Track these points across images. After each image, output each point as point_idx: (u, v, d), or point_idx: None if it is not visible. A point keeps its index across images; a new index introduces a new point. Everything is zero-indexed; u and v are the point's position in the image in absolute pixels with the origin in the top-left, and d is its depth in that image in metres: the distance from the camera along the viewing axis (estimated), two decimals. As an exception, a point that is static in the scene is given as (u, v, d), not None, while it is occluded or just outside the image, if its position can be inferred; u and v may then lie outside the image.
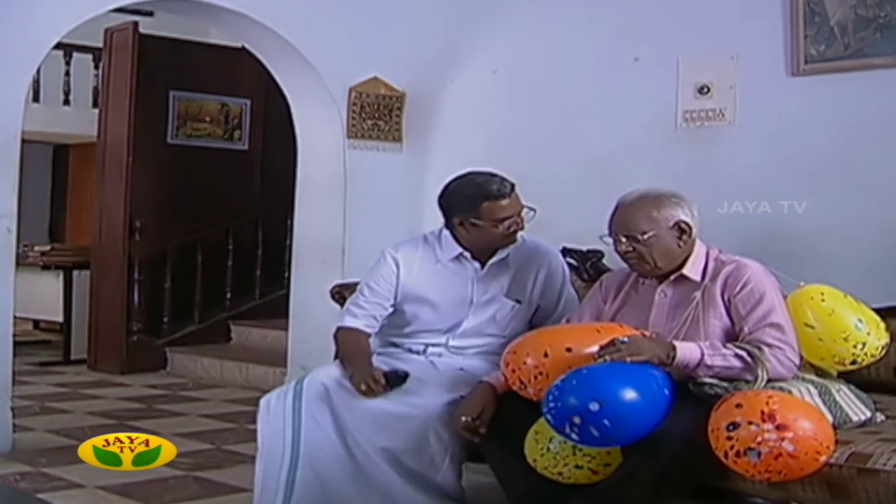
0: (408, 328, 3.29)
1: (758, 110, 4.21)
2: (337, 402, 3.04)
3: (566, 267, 3.36)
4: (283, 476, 3.01)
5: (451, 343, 3.23)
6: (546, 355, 2.71)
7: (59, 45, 8.94)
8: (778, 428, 2.39)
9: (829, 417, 2.67)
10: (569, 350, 2.70)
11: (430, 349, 3.24)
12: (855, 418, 2.75)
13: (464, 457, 3.06)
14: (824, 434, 2.47)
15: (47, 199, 11.13)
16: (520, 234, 3.22)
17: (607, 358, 2.62)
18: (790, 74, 4.09)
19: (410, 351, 3.27)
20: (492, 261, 3.21)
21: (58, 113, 9.34)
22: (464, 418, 2.88)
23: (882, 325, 2.88)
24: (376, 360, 3.17)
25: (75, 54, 9.11)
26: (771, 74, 4.15)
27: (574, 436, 2.51)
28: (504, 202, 3.11)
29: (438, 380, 3.08)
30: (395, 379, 3.01)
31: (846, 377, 2.89)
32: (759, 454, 2.39)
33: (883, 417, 2.83)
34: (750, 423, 2.41)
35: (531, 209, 3.17)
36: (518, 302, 3.23)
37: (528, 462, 2.76)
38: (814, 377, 2.81)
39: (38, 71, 8.98)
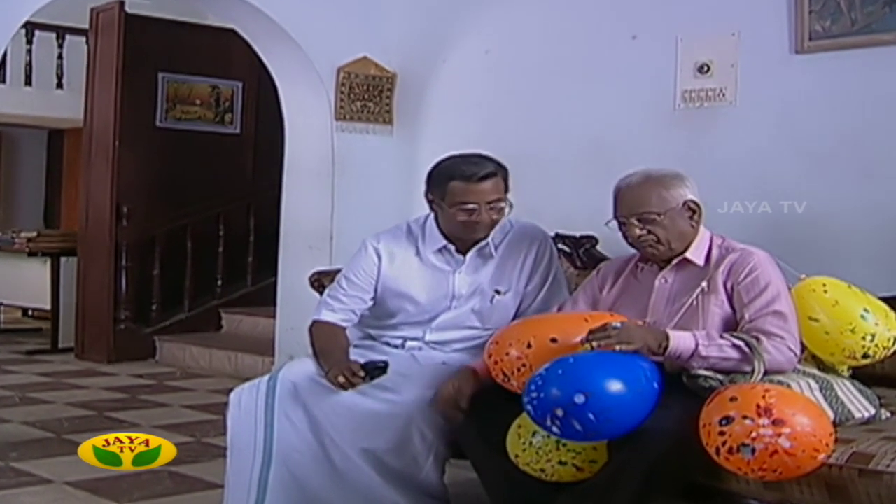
0: (388, 321, 3.14)
1: (760, 90, 4.07)
2: (311, 402, 2.89)
3: (555, 251, 3.18)
4: (255, 475, 2.86)
5: (428, 337, 3.07)
6: (529, 346, 2.59)
7: (51, 28, 8.93)
8: (774, 423, 2.25)
9: (830, 413, 2.53)
10: (554, 341, 2.57)
11: (409, 343, 3.08)
12: (858, 415, 2.61)
13: (447, 454, 2.93)
14: (823, 431, 2.32)
15: (42, 184, 11.02)
16: (507, 218, 3.03)
17: (594, 345, 2.48)
18: (794, 52, 3.94)
19: (388, 345, 3.11)
20: (472, 251, 3.04)
21: (51, 97, 9.21)
22: (446, 392, 2.75)
23: (892, 314, 2.72)
24: (353, 354, 3.02)
25: (68, 37, 8.97)
26: (774, 52, 4.00)
27: (555, 429, 2.38)
28: (469, 185, 2.90)
29: (420, 375, 2.92)
30: (375, 370, 2.84)
31: (852, 370, 2.75)
32: (754, 451, 2.24)
33: (888, 414, 2.69)
34: (744, 417, 2.26)
35: (497, 202, 2.93)
36: (498, 293, 3.04)
37: (510, 459, 2.63)
38: (815, 371, 2.68)
39: (30, 54, 9.01)
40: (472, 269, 3.05)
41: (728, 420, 2.27)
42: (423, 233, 3.08)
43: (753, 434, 2.24)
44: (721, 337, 2.56)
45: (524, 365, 2.57)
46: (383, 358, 2.90)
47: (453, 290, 3.04)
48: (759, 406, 2.26)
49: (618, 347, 2.46)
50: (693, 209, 2.73)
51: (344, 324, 3.09)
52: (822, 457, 2.29)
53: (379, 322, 3.16)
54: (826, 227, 3.80)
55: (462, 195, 2.91)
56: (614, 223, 2.78)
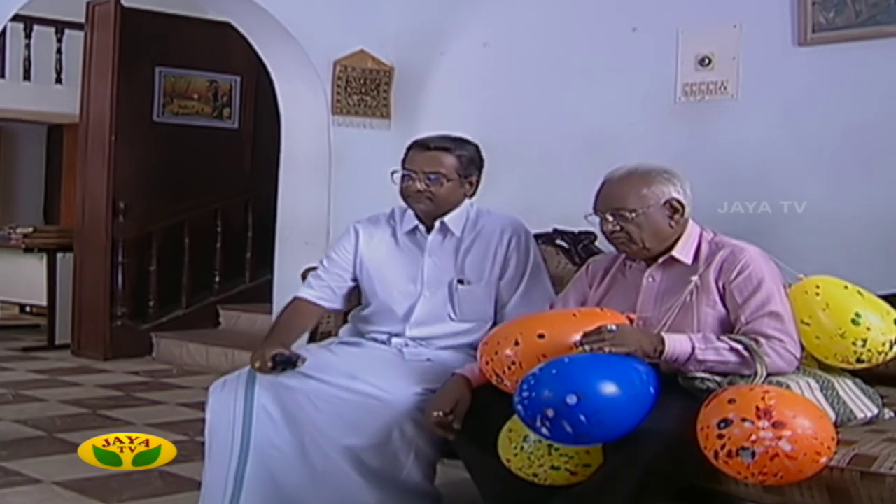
0: (367, 310, 3.10)
1: (762, 83, 4.02)
2: (290, 397, 2.82)
3: (533, 243, 3.08)
4: (232, 470, 2.79)
5: (410, 333, 3.00)
6: (517, 343, 2.52)
7: (49, 22, 8.86)
8: (774, 426, 2.17)
9: (832, 414, 2.46)
10: (541, 336, 2.50)
11: (394, 339, 3.02)
12: (860, 415, 2.54)
13: (433, 454, 2.85)
14: (825, 433, 2.24)
15: (41, 180, 10.97)
16: (478, 205, 3.06)
17: (587, 348, 2.41)
18: (797, 44, 3.90)
19: (375, 340, 3.06)
20: (434, 229, 3.01)
21: (50, 92, 9.16)
22: (436, 413, 2.67)
23: (891, 315, 2.62)
24: (339, 351, 2.99)
25: (67, 31, 8.92)
26: (776, 44, 3.96)
27: (545, 430, 2.30)
28: (416, 152, 2.97)
29: (404, 370, 2.86)
30: (284, 363, 2.79)
31: (851, 371, 2.65)
32: (754, 454, 2.17)
33: (891, 414, 2.62)
34: (743, 419, 2.19)
35: (435, 174, 2.92)
36: (461, 283, 2.99)
37: (503, 461, 2.56)
38: (816, 370, 2.60)
39: (29, 48, 8.95)
40: (439, 253, 3.01)
41: (727, 423, 2.20)
42: (403, 215, 3.08)
43: (753, 437, 2.17)
44: (719, 339, 2.48)
45: (514, 363, 2.51)
46: (298, 358, 2.81)
47: (421, 273, 3.00)
48: (758, 408, 2.19)
49: (607, 349, 2.39)
50: (675, 208, 2.62)
51: (320, 301, 3.07)
52: (824, 460, 2.22)
53: (362, 314, 3.12)
54: (829, 223, 3.76)
55: (408, 160, 2.98)
56: (595, 217, 2.69)
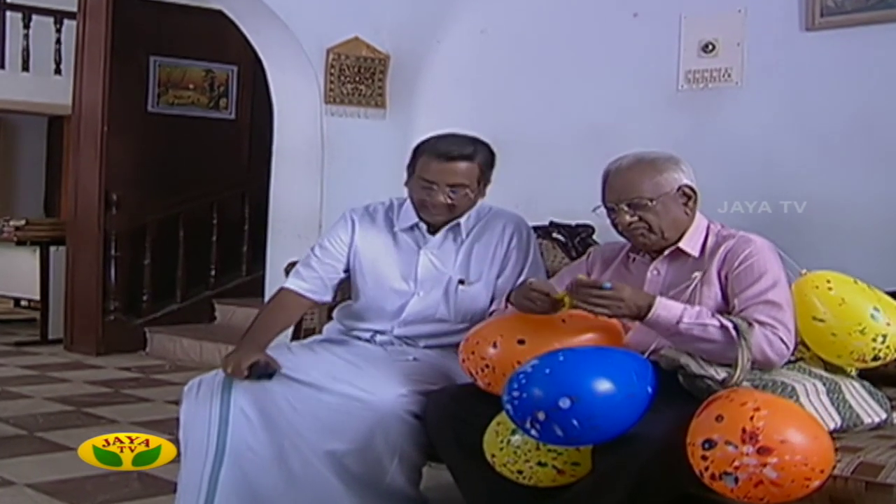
0: (355, 305, 2.97)
1: (768, 69, 3.89)
2: (268, 399, 2.70)
3: (533, 241, 2.98)
4: (207, 473, 2.67)
5: (397, 331, 2.89)
6: (495, 346, 2.42)
7: (48, 12, 8.74)
8: (759, 452, 1.99)
9: (837, 419, 2.35)
10: (521, 342, 2.40)
11: (379, 337, 2.91)
12: (867, 420, 2.41)
13: (418, 458, 2.74)
14: (818, 457, 2.04)
15: (42, 172, 10.89)
16: (481, 202, 2.91)
17: (573, 301, 2.34)
18: (804, 29, 3.77)
19: (358, 339, 2.94)
20: (442, 231, 2.88)
21: (49, 83, 9.07)
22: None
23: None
24: (321, 349, 2.89)
25: (66, 21, 8.80)
26: (783, 29, 3.83)
27: (534, 432, 2.19)
28: (435, 162, 2.78)
29: (388, 370, 2.73)
30: (259, 375, 2.68)
31: (861, 373, 2.53)
32: (737, 480, 2.01)
33: (899, 418, 2.47)
34: (727, 443, 2.02)
35: (459, 187, 2.79)
36: (462, 283, 2.87)
37: (487, 463, 2.45)
38: (822, 372, 2.47)
39: (28, 39, 8.84)
40: (440, 253, 2.89)
41: (710, 444, 2.04)
42: (401, 209, 2.94)
43: (736, 463, 2.00)
44: (710, 316, 2.35)
45: (487, 366, 2.42)
46: (274, 370, 2.70)
47: (416, 272, 2.88)
48: (744, 430, 2.01)
49: (597, 310, 2.32)
50: (688, 195, 2.54)
51: (309, 294, 2.93)
52: (816, 484, 2.04)
53: (348, 311, 3.00)
54: (835, 215, 3.63)
55: (425, 171, 2.80)
56: (602, 210, 2.59)
